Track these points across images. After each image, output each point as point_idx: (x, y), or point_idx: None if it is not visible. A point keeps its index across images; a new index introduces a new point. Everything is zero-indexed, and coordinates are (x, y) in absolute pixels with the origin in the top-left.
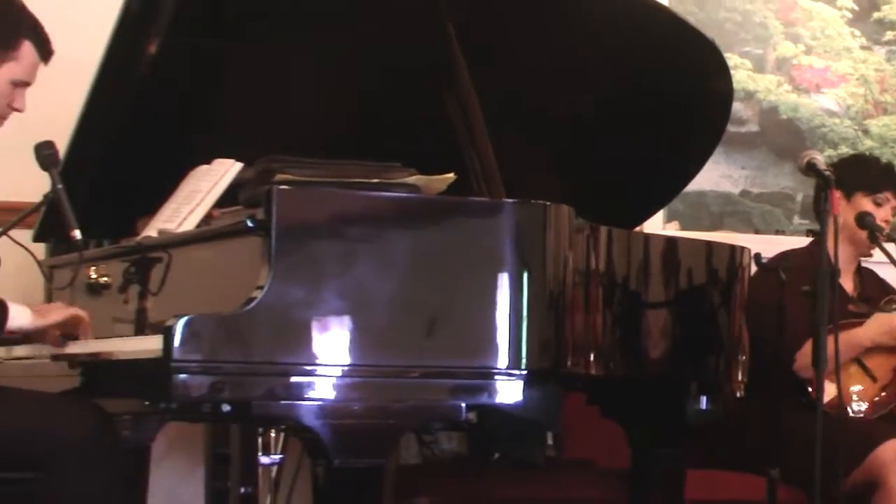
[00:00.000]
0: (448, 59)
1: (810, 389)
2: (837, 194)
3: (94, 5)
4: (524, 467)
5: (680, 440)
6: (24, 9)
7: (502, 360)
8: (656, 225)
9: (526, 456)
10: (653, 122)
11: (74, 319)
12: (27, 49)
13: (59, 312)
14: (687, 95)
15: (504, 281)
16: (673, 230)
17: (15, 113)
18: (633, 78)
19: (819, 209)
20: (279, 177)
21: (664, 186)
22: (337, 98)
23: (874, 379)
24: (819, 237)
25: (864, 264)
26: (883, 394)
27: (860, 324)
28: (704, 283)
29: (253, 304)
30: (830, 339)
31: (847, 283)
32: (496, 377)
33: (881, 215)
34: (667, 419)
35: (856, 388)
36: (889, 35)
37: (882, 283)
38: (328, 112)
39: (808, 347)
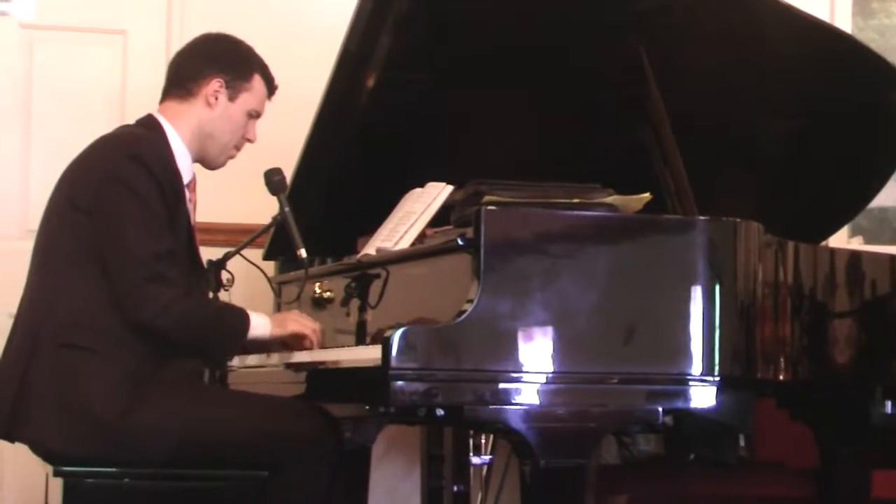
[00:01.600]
0: (643, 86)
1: None
2: None
3: (317, 44)
4: (718, 467)
5: (865, 441)
6: (251, 48)
7: (696, 367)
8: (841, 240)
9: (719, 456)
10: (838, 142)
11: (309, 333)
12: (258, 82)
13: (296, 324)
14: (869, 117)
15: (697, 293)
16: (857, 245)
17: (247, 143)
18: (821, 101)
19: None
20: (487, 198)
21: (849, 203)
22: (537, 124)
23: None
24: None
25: None
26: None
27: None
28: (888, 294)
29: (464, 316)
30: None
31: None
32: (691, 383)
33: None
34: (853, 421)
35: None
36: None
37: None
38: (529, 137)
39: None
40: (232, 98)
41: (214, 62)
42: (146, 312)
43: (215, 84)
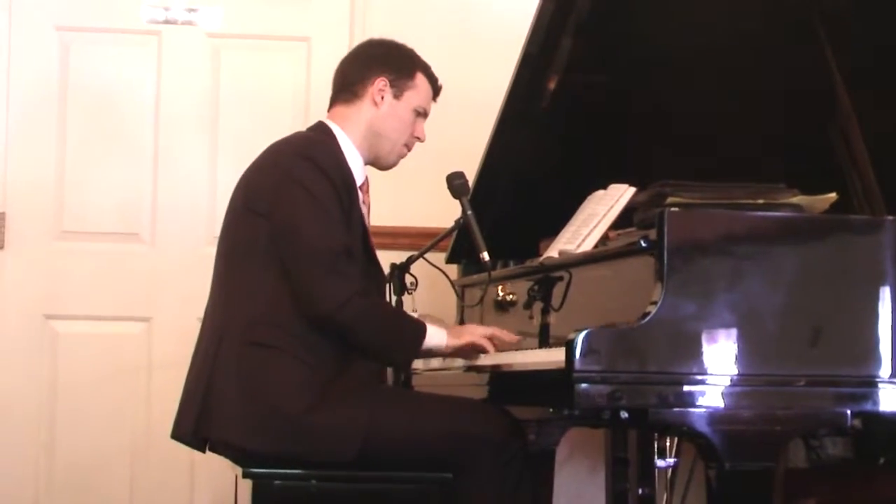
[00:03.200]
0: (830, 84)
1: None
2: None
3: (496, 47)
4: None
5: None
6: (412, 49)
7: (885, 370)
8: None
9: None
10: None
11: (488, 341)
12: (422, 80)
13: (471, 336)
14: None
15: (886, 294)
16: None
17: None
18: None
19: None
20: (670, 200)
21: None
22: (717, 124)
23: None
24: None
25: None
26: None
27: None
28: None
29: (648, 318)
30: None
31: None
32: (880, 385)
33: None
34: None
35: None
36: None
37: None
38: (711, 137)
39: None
40: (397, 96)
41: (377, 62)
42: (326, 306)
43: (380, 83)
